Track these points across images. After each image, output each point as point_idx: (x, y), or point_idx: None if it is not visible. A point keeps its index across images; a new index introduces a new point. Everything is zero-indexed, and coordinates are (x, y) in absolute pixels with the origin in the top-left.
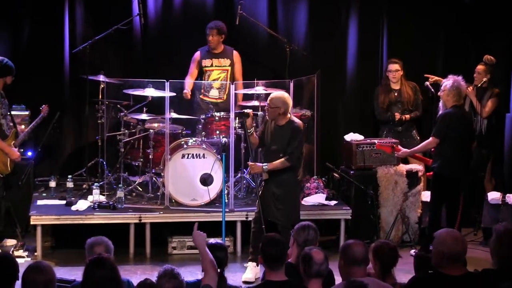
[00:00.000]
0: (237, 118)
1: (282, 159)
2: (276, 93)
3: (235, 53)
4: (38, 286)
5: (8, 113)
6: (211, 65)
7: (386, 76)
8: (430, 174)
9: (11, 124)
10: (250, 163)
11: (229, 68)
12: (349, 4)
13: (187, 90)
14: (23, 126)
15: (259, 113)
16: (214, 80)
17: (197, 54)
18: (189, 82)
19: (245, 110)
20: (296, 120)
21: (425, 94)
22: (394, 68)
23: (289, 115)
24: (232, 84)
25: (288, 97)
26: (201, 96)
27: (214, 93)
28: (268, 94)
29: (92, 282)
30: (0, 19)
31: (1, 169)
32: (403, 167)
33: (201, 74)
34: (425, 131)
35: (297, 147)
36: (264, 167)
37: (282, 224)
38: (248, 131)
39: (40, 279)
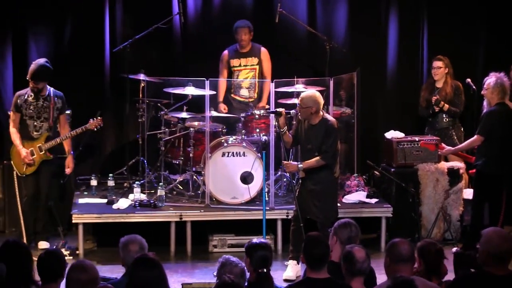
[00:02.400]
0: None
1: (317, 157)
2: (307, 92)
3: (263, 50)
4: (83, 284)
5: (44, 117)
6: (240, 65)
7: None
8: (473, 172)
9: (44, 126)
10: (285, 162)
11: (257, 66)
12: (389, 1)
13: (223, 106)
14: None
15: (292, 111)
16: (243, 80)
17: (225, 54)
18: (222, 91)
19: (278, 109)
20: (330, 118)
21: (467, 91)
22: (436, 65)
23: (321, 113)
24: (272, 82)
25: (319, 96)
26: (232, 95)
27: (244, 92)
28: None
29: (139, 282)
30: (42, 19)
31: (19, 168)
32: (444, 165)
33: (230, 74)
34: (468, 130)
35: (331, 145)
36: (299, 165)
37: (321, 221)
38: (281, 130)
39: (84, 278)
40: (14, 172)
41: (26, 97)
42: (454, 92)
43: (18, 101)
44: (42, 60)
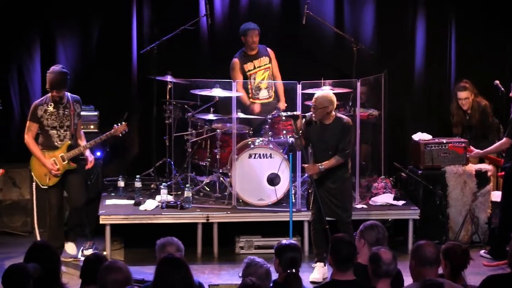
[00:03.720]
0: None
1: (336, 156)
2: (322, 92)
3: (269, 50)
4: (119, 285)
5: (67, 125)
6: (254, 68)
7: (457, 97)
8: (502, 174)
9: (67, 135)
10: (305, 165)
11: (270, 65)
12: (416, 3)
13: (256, 105)
14: (92, 127)
15: (308, 114)
16: (260, 81)
17: (236, 61)
18: (245, 95)
19: (294, 112)
20: (344, 116)
21: (496, 93)
22: (463, 96)
23: (333, 113)
24: (299, 83)
25: (333, 95)
26: (251, 100)
27: (263, 93)
28: (336, 94)
29: (165, 282)
30: (70, 21)
31: (41, 180)
32: (472, 167)
33: (245, 79)
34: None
35: (348, 143)
36: (320, 167)
37: (343, 219)
38: (299, 133)
39: (120, 278)
40: (34, 183)
41: (46, 107)
42: (482, 116)
43: (38, 111)
44: (57, 67)
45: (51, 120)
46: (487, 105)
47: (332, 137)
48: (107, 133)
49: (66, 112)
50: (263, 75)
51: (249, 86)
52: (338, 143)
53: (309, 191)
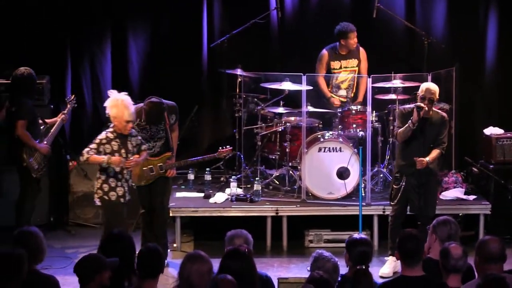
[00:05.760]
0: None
1: (438, 150)
2: (432, 85)
3: (361, 50)
4: (203, 275)
5: (158, 137)
6: (340, 67)
7: None
8: None
9: (156, 145)
10: (418, 158)
11: (357, 68)
12: None
13: (336, 99)
14: None
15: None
16: (342, 81)
17: (325, 55)
18: (326, 87)
19: (421, 104)
20: (438, 110)
21: None
22: None
23: None
24: (369, 77)
25: None
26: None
27: (342, 93)
28: (407, 88)
29: (228, 272)
30: (140, 14)
31: (134, 179)
32: None
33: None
34: None
35: (446, 136)
36: (427, 160)
37: (429, 214)
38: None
39: (205, 269)
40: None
41: (138, 121)
42: None
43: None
44: (153, 102)
45: (141, 133)
46: None
47: (433, 131)
48: (211, 154)
49: (159, 127)
50: (346, 77)
51: (331, 82)
52: (436, 136)
53: (394, 186)
